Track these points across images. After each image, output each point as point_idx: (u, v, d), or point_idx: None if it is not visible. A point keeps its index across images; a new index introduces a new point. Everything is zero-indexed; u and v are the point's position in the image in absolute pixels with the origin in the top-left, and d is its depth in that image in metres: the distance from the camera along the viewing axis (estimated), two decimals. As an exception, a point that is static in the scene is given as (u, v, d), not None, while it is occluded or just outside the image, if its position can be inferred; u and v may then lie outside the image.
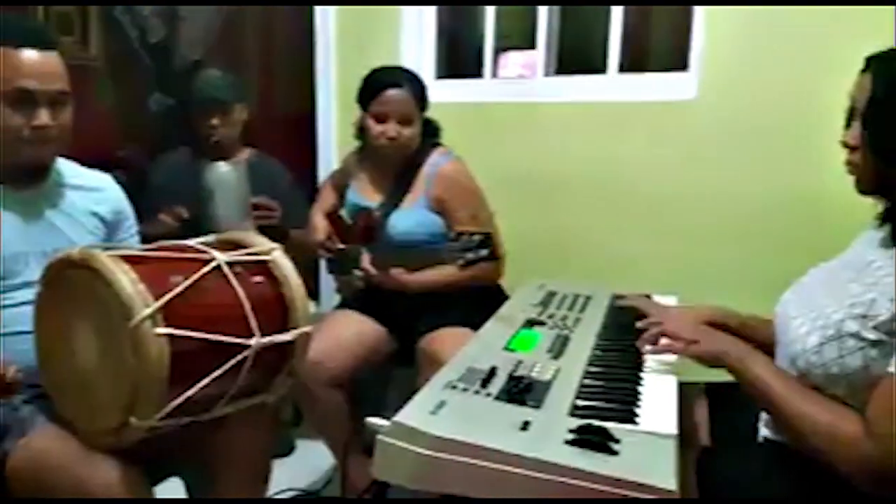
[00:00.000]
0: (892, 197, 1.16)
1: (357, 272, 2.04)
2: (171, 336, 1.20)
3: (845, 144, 1.19)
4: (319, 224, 2.21)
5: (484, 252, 1.65)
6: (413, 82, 2.04)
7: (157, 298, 1.21)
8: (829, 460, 1.08)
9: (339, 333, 2.05)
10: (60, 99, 1.47)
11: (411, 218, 2.07)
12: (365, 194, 2.16)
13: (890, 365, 1.04)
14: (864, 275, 1.16)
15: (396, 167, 2.10)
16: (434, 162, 2.09)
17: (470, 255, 1.65)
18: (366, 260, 1.87)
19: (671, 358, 1.38)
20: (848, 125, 1.19)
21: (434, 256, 1.87)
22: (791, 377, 1.18)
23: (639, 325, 1.45)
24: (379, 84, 2.03)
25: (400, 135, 2.02)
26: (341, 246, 2.15)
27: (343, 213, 2.23)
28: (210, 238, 1.49)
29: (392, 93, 2.00)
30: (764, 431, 1.31)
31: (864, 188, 1.19)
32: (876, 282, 1.12)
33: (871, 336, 1.08)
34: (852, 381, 1.10)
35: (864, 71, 1.16)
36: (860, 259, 1.22)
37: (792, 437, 1.17)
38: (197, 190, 2.28)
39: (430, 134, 2.15)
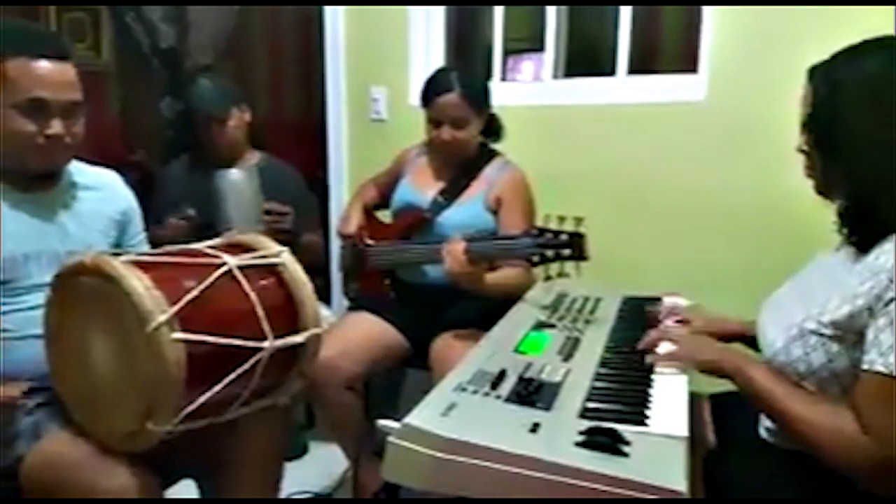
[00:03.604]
0: (840, 197, 1.21)
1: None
2: (186, 341, 1.21)
3: (801, 150, 1.26)
4: (354, 216, 2.23)
5: (566, 252, 1.63)
6: (466, 84, 2.03)
7: (172, 304, 1.21)
8: (832, 461, 1.10)
9: (352, 335, 2.05)
10: (73, 109, 1.49)
11: (466, 212, 2.07)
12: (419, 189, 2.16)
13: (864, 362, 1.07)
14: (824, 278, 1.24)
15: (456, 164, 2.13)
16: (496, 168, 2.11)
17: (549, 253, 1.64)
18: (448, 248, 1.76)
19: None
20: (803, 132, 1.25)
21: (500, 251, 1.77)
22: (789, 380, 1.20)
23: (640, 345, 1.44)
24: (432, 90, 2.05)
25: (454, 138, 2.04)
26: (370, 242, 2.16)
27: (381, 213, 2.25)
28: (218, 241, 1.49)
29: (443, 99, 2.01)
30: (764, 435, 1.32)
31: (820, 191, 1.25)
32: (832, 283, 1.18)
33: (829, 331, 1.13)
34: (819, 376, 1.15)
35: (808, 81, 1.24)
36: (824, 263, 1.30)
37: (794, 438, 1.18)
38: (208, 196, 2.30)
39: (493, 132, 2.17)
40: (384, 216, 2.30)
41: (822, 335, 1.14)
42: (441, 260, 1.79)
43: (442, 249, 1.79)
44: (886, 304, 1.05)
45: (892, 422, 1.03)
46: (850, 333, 1.11)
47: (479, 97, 2.06)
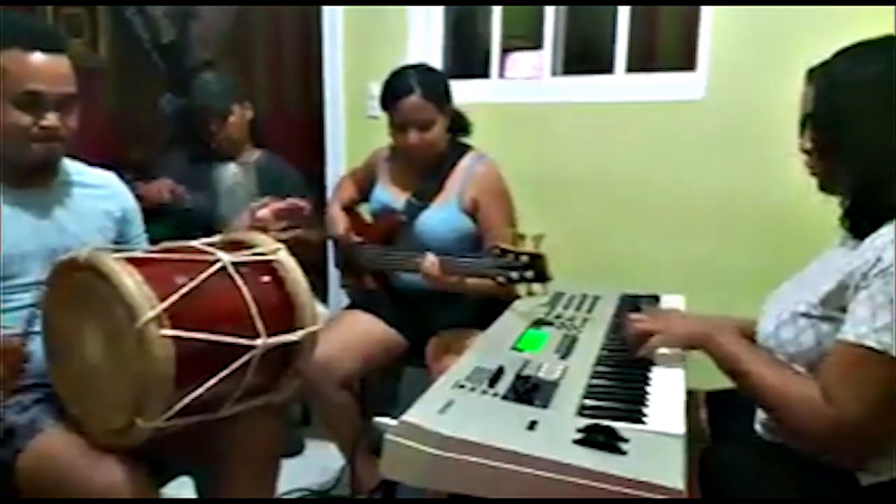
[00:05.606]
0: (845, 193, 1.23)
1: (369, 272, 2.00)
2: (176, 338, 1.20)
3: (803, 150, 1.28)
4: (339, 216, 2.21)
5: (529, 274, 1.60)
6: (427, 84, 1.97)
7: (162, 300, 1.21)
8: (793, 426, 1.14)
9: (348, 334, 2.05)
10: (68, 101, 1.49)
11: (440, 217, 2.04)
12: (393, 191, 2.13)
13: (839, 333, 1.10)
14: (821, 268, 1.26)
15: (426, 165, 2.08)
16: (468, 164, 2.06)
17: (514, 275, 1.62)
18: (428, 260, 1.79)
19: (674, 351, 1.39)
20: (802, 132, 1.27)
21: (469, 269, 1.76)
22: (761, 351, 1.24)
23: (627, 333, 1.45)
24: (391, 93, 1.99)
25: (422, 140, 1.98)
26: (359, 239, 2.15)
27: (363, 208, 2.23)
28: (215, 238, 1.49)
29: (405, 102, 1.95)
30: (759, 431, 1.32)
31: (824, 188, 1.27)
32: (827, 271, 1.20)
33: (818, 312, 1.16)
34: (809, 358, 1.18)
35: (807, 82, 1.25)
36: (825, 257, 1.31)
37: (760, 403, 1.22)
38: (203, 187, 2.30)
39: (460, 128, 2.12)
40: (366, 210, 2.28)
41: (811, 316, 1.17)
42: (420, 272, 1.82)
43: (419, 265, 1.81)
44: (869, 279, 1.08)
45: (853, 389, 1.06)
46: (838, 312, 1.13)
47: (440, 95, 2.01)
